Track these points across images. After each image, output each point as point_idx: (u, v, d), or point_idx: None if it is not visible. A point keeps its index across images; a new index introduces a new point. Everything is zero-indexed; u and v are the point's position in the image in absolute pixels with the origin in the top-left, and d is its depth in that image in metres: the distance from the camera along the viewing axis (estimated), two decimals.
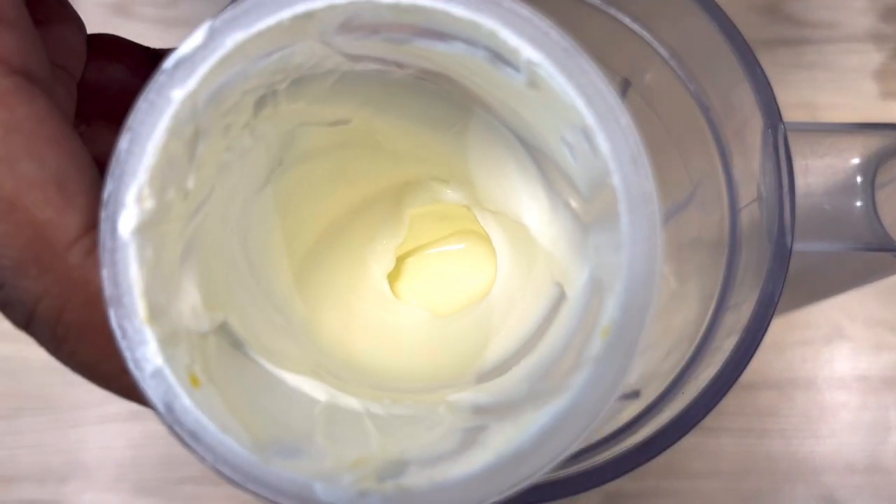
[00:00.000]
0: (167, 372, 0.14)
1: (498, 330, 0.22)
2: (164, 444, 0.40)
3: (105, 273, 0.14)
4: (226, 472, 0.14)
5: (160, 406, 0.14)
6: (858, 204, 0.20)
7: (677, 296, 0.25)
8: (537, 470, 0.14)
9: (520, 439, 0.14)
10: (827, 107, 0.45)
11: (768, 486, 0.39)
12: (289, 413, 0.17)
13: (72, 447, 0.40)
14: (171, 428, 0.14)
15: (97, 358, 0.15)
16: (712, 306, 0.22)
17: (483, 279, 0.27)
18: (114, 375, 0.15)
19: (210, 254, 0.17)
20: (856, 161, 0.20)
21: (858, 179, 0.20)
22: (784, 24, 0.46)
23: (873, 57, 0.46)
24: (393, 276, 0.27)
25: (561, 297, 0.19)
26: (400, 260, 0.28)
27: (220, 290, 0.17)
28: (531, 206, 0.20)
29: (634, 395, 0.23)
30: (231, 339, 0.17)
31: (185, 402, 0.14)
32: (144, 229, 0.14)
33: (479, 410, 0.17)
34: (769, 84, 0.20)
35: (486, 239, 0.26)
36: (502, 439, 0.14)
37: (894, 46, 0.46)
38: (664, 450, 0.18)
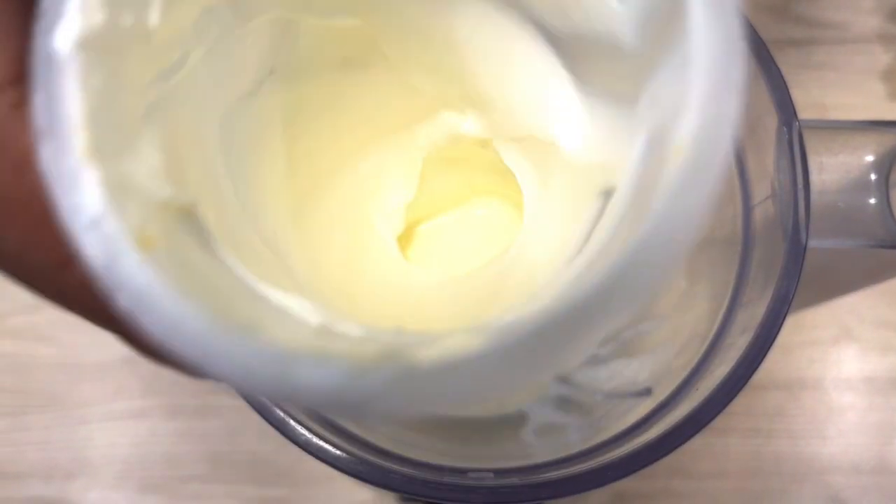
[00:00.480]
0: (110, 222, 0.11)
1: (527, 273, 0.19)
2: (169, 443, 0.40)
3: (38, 99, 0.11)
4: (178, 345, 0.11)
5: (99, 265, 0.11)
6: (872, 201, 0.20)
7: (689, 294, 0.25)
8: (596, 327, 0.10)
9: (566, 298, 0.10)
10: (835, 107, 0.45)
11: (775, 487, 0.39)
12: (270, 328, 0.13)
13: (78, 444, 0.40)
14: (111, 294, 0.11)
15: (25, 243, 0.12)
16: (725, 303, 0.21)
17: (504, 246, 0.23)
18: (49, 269, 0.12)
19: (183, 141, 0.14)
20: (870, 158, 0.20)
21: (872, 177, 0.20)
22: (792, 25, 0.46)
23: (881, 58, 0.46)
24: (405, 243, 0.25)
25: (606, 205, 0.16)
26: (413, 226, 0.26)
27: (194, 186, 0.14)
28: (561, 111, 0.17)
29: (646, 392, 0.22)
30: (200, 238, 0.14)
31: (131, 259, 0.11)
32: (90, 47, 0.11)
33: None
34: (784, 81, 0.20)
35: (508, 200, 0.24)
36: (537, 306, 0.11)
37: None
38: (678, 446, 0.18)
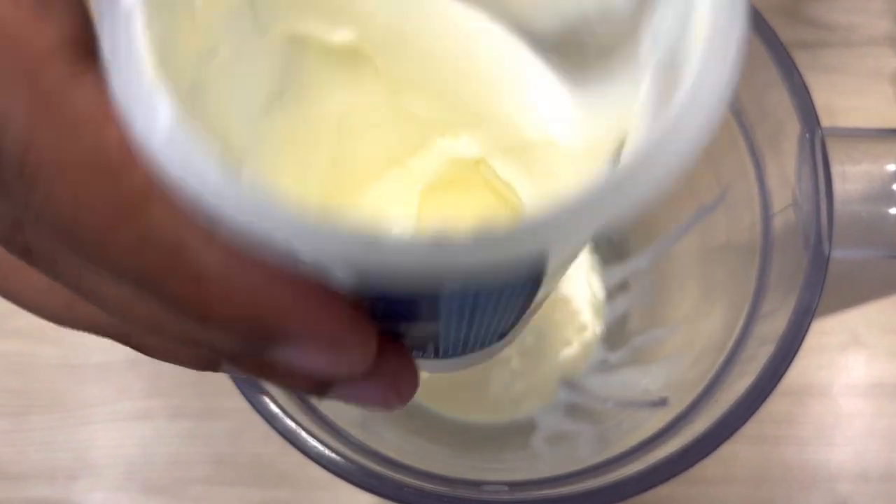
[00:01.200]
0: (185, 135, 0.11)
1: None
2: (173, 444, 0.40)
3: (105, 44, 0.11)
4: (266, 233, 0.11)
5: (179, 176, 0.11)
6: (894, 211, 0.20)
7: (703, 302, 0.25)
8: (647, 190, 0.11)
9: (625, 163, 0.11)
10: (844, 110, 0.45)
11: (783, 494, 0.39)
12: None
13: (81, 445, 0.40)
14: (191, 204, 0.11)
15: (78, 205, 0.12)
16: (743, 314, 0.21)
17: None
18: (101, 230, 0.12)
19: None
20: (892, 168, 0.20)
21: (895, 187, 0.20)
22: (802, 27, 0.46)
23: (890, 61, 0.46)
24: None
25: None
26: None
27: None
28: (554, 111, 0.19)
29: (662, 402, 0.22)
30: None
31: (210, 164, 0.11)
32: (151, 3, 0.12)
33: None
34: (806, 88, 0.20)
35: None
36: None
37: None
38: (699, 461, 0.18)
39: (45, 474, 0.40)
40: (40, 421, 0.40)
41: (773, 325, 0.19)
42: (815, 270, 0.19)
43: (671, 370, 0.24)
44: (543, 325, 0.38)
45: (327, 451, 0.19)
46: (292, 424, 0.19)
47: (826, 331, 0.41)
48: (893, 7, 0.46)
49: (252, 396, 0.20)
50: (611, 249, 0.37)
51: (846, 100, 0.44)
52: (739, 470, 0.39)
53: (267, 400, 0.20)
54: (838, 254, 0.19)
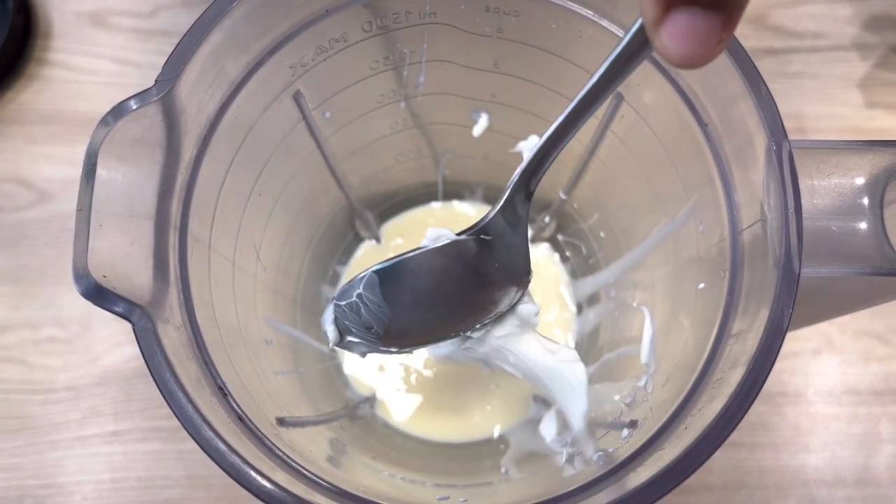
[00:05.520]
0: None
1: None
2: (143, 467, 0.39)
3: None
4: None
5: None
6: (865, 226, 0.19)
7: (674, 319, 0.24)
8: None
9: None
10: (813, 116, 0.45)
11: (759, 500, 0.39)
12: None
13: (49, 470, 0.39)
14: None
15: None
16: (714, 333, 0.20)
17: None
18: None
19: None
20: (862, 181, 0.19)
21: (865, 201, 0.19)
22: (770, 34, 0.46)
23: (858, 66, 0.46)
24: None
25: None
26: None
27: None
28: None
29: (632, 425, 0.22)
30: None
31: None
32: None
33: None
34: (773, 100, 0.20)
35: None
36: None
37: (879, 55, 0.46)
38: (671, 489, 0.17)
39: (12, 500, 0.39)
40: (6, 445, 0.39)
41: (744, 346, 0.19)
42: (786, 290, 0.18)
43: (640, 389, 0.24)
44: None
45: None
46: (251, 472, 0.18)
47: (799, 336, 0.41)
48: (860, 13, 0.46)
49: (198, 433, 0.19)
50: (581, 262, 0.37)
51: (815, 105, 0.45)
52: (715, 477, 0.39)
53: (214, 436, 0.19)
54: (808, 271, 0.19)
